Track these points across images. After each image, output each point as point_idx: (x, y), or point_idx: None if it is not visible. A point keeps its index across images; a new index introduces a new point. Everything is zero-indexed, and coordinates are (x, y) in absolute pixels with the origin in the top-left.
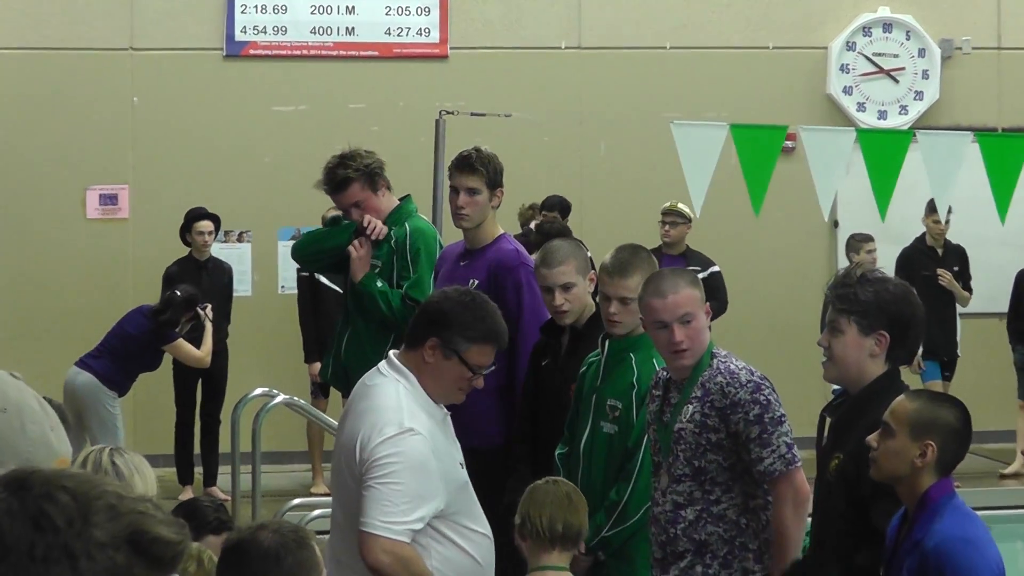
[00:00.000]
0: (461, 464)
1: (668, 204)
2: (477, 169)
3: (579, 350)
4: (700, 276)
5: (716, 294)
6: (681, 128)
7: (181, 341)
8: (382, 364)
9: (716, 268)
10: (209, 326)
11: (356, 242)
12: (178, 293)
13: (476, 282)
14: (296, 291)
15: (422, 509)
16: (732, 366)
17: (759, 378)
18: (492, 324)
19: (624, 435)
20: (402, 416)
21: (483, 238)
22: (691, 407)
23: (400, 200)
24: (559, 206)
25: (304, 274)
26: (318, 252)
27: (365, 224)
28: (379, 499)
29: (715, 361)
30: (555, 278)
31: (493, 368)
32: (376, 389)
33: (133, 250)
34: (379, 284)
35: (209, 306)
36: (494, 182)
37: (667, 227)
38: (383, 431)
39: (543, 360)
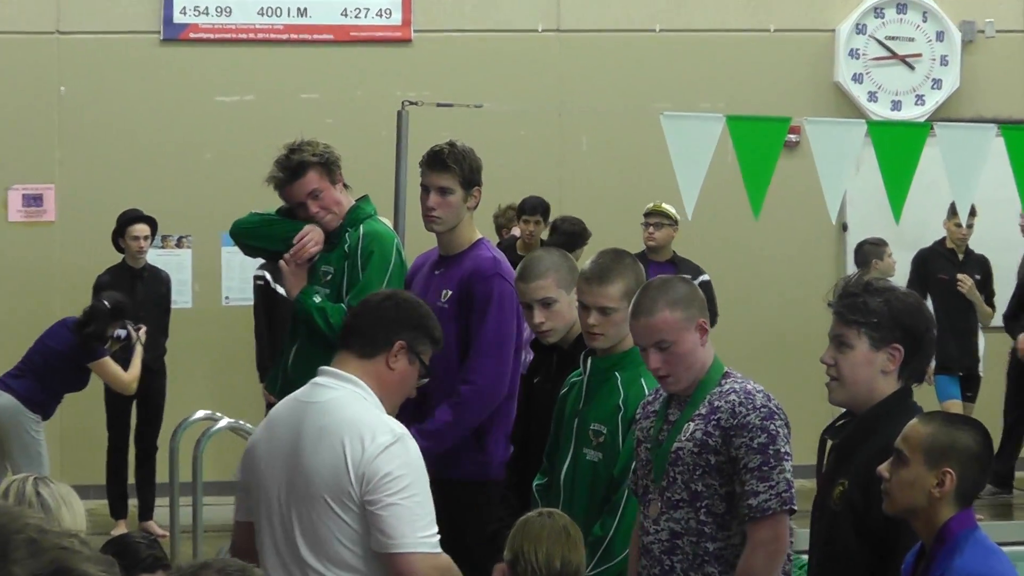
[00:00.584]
0: None
1: (652, 204)
2: (450, 166)
3: (567, 369)
4: None
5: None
6: (672, 120)
7: (108, 360)
8: (322, 378)
9: (706, 277)
10: (140, 349)
11: (287, 255)
12: (105, 303)
13: (449, 293)
14: (243, 302)
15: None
16: (749, 386)
17: (775, 406)
18: (439, 325)
19: (609, 463)
20: (388, 422)
21: (458, 243)
22: (693, 424)
23: (356, 201)
24: (541, 208)
25: (260, 282)
26: (261, 236)
27: (296, 240)
28: (406, 515)
29: (728, 380)
30: (532, 293)
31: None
32: (335, 402)
33: (60, 257)
34: (316, 299)
35: (143, 328)
36: (470, 180)
37: (651, 229)
38: (376, 441)
39: (535, 378)
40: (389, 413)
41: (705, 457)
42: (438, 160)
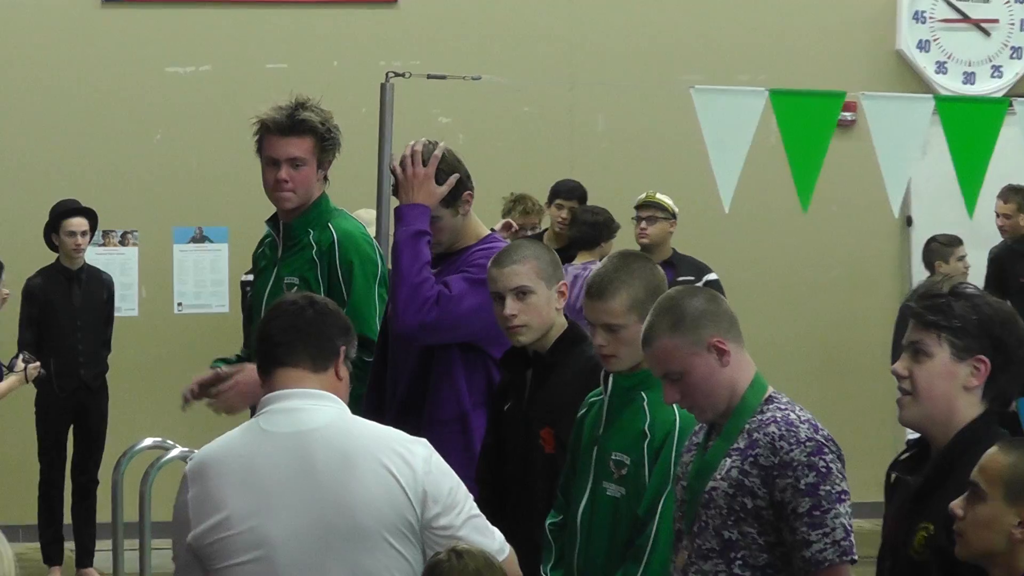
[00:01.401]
0: None
1: (644, 195)
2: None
3: (548, 384)
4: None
5: None
6: (705, 95)
7: None
8: (295, 402)
9: (713, 276)
10: (16, 378)
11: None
12: None
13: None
14: (198, 310)
15: None
16: (792, 416)
17: (823, 438)
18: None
19: (633, 499)
20: (400, 432)
21: (462, 243)
22: (729, 461)
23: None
24: (578, 193)
25: (249, 289)
26: None
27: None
28: (482, 524)
29: (770, 407)
30: (505, 279)
31: None
32: (342, 424)
33: None
34: None
35: (37, 364)
36: (452, 197)
37: (643, 224)
38: (416, 455)
39: (504, 403)
40: None
41: (740, 500)
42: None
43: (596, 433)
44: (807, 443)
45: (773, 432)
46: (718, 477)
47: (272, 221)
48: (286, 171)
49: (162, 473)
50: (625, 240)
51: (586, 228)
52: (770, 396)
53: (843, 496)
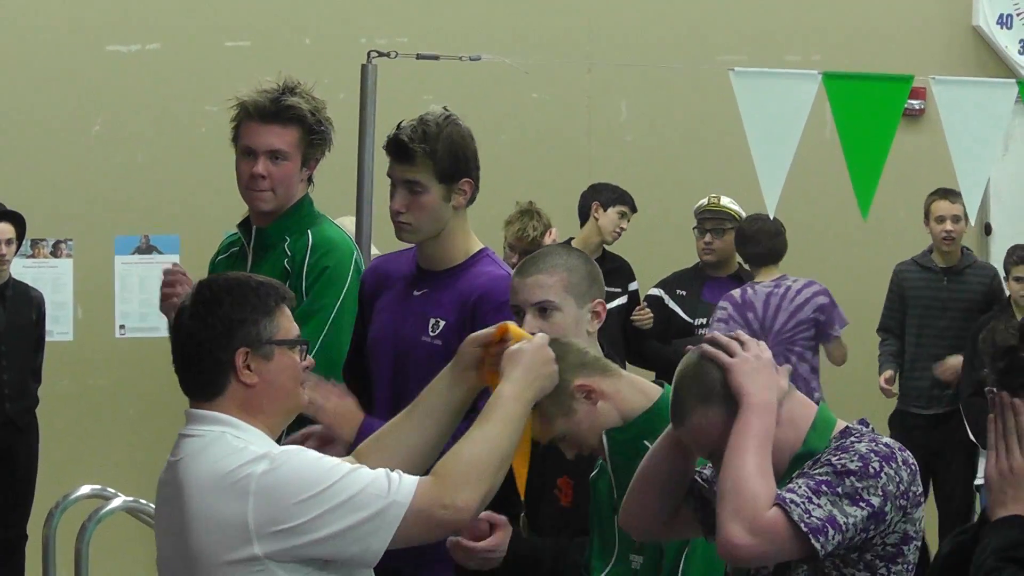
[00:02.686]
0: None
1: (709, 200)
2: (414, 154)
3: None
4: None
5: None
6: (746, 79)
7: None
8: (185, 426)
9: None
10: None
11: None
12: None
13: (441, 324)
14: (144, 333)
15: None
16: (882, 439)
17: (903, 460)
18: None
19: (652, 565)
20: (254, 453)
21: (447, 255)
22: (792, 479)
23: (299, 199)
24: (630, 199)
25: None
26: None
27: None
28: (363, 500)
29: (849, 439)
30: (527, 292)
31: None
32: (197, 458)
33: None
34: None
35: None
36: (450, 171)
37: (709, 236)
38: (256, 481)
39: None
40: (286, 422)
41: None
42: (399, 149)
43: (612, 499)
44: (882, 446)
45: (850, 442)
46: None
47: (244, 226)
48: (264, 165)
49: (102, 527)
50: (679, 253)
51: (777, 240)
52: (846, 429)
53: (862, 503)
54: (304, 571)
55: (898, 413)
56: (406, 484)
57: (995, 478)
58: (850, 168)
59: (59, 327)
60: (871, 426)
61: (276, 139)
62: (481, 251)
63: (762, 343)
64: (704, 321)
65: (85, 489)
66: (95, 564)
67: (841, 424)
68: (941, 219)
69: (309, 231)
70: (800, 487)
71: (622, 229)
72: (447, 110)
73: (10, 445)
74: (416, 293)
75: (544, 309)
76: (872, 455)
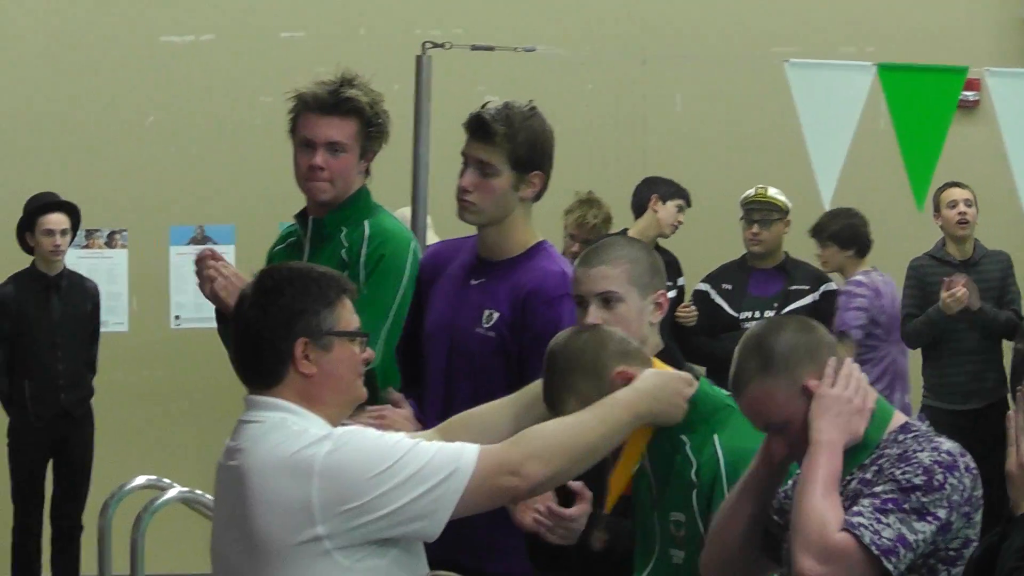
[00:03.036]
0: None
1: (756, 191)
2: (493, 134)
3: None
4: (808, 299)
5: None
6: (802, 70)
7: None
8: (244, 413)
9: (832, 285)
10: None
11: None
12: None
13: (495, 316)
14: (200, 323)
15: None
16: (939, 439)
17: (966, 466)
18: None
19: (694, 562)
20: (315, 435)
21: (507, 245)
22: (852, 475)
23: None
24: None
25: None
26: None
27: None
28: (427, 473)
29: (907, 436)
30: (591, 282)
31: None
32: (258, 443)
33: None
34: None
35: None
36: (525, 160)
37: (756, 228)
38: (319, 463)
39: None
40: (346, 413)
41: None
42: (481, 127)
43: (651, 496)
44: (944, 454)
45: (909, 443)
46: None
47: (300, 216)
48: (322, 157)
49: (157, 518)
50: (734, 245)
51: (865, 232)
52: (906, 424)
53: (930, 517)
54: (362, 555)
55: (928, 410)
56: (468, 452)
57: (1016, 473)
58: (905, 159)
59: (114, 318)
60: (927, 422)
61: (335, 131)
62: (539, 244)
63: (869, 390)
64: (750, 315)
65: (140, 480)
66: (150, 555)
67: (898, 417)
68: (953, 204)
69: (366, 222)
70: (866, 508)
71: (679, 223)
72: (535, 105)
73: (66, 436)
74: (473, 282)
75: (608, 300)
76: (935, 467)
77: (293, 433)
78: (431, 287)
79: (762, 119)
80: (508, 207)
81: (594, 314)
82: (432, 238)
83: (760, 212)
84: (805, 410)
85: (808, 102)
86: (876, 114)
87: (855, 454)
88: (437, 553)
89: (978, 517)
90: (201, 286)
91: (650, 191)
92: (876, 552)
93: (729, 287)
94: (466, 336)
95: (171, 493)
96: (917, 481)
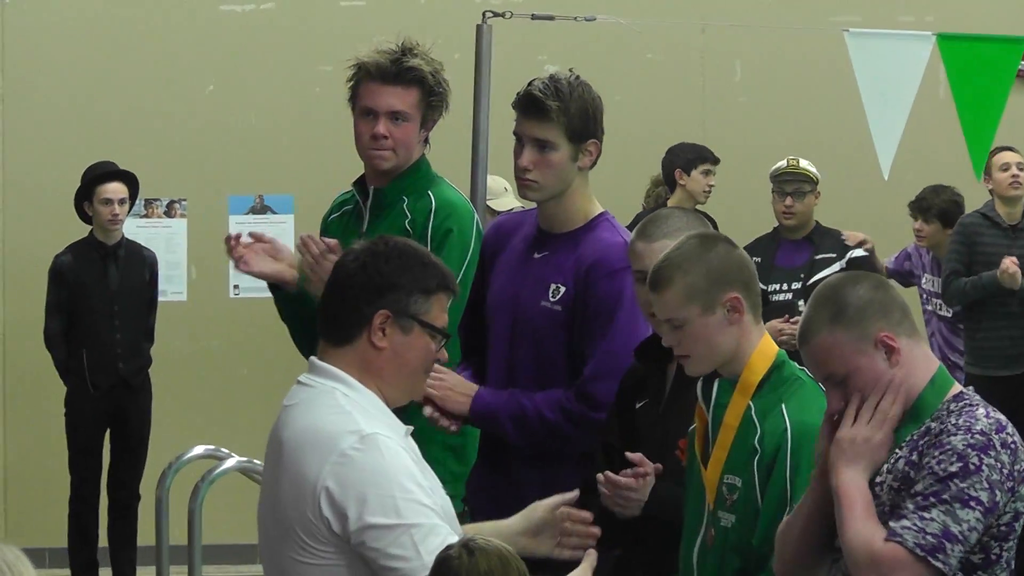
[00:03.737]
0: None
1: (788, 162)
2: (548, 110)
3: (693, 385)
4: (836, 267)
5: None
6: (861, 40)
7: None
8: (304, 375)
9: (858, 252)
10: None
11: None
12: None
13: (562, 290)
14: (259, 294)
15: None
16: (981, 410)
17: (1002, 442)
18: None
19: (744, 528)
20: (356, 422)
21: (569, 217)
22: (900, 452)
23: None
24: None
25: None
26: None
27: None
28: (404, 539)
29: (959, 404)
30: (654, 257)
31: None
32: (303, 408)
33: (5, 227)
34: None
35: None
36: (580, 131)
37: (789, 200)
38: (339, 451)
39: (638, 400)
40: (398, 403)
41: (904, 496)
42: (532, 104)
43: (706, 453)
44: (977, 435)
45: (952, 420)
46: (885, 470)
47: (359, 185)
48: (385, 125)
49: (215, 488)
50: (759, 217)
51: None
52: (960, 394)
53: (972, 503)
54: (341, 562)
55: (968, 377)
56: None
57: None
58: (964, 129)
59: (173, 287)
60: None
61: (397, 100)
62: (601, 215)
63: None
64: (777, 287)
65: (198, 449)
66: (208, 524)
67: (955, 388)
68: (1006, 167)
69: (430, 192)
70: (909, 511)
71: (710, 186)
72: (577, 73)
73: (123, 406)
74: (536, 256)
75: None
76: (969, 451)
77: (337, 410)
78: (494, 260)
79: (821, 88)
80: (568, 179)
81: None
82: (511, 203)
83: (793, 184)
84: (871, 365)
85: (867, 72)
86: (935, 83)
87: (912, 420)
88: (491, 518)
89: None
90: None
91: (672, 165)
92: (921, 553)
93: (759, 260)
94: (531, 309)
95: (229, 463)
96: (953, 469)
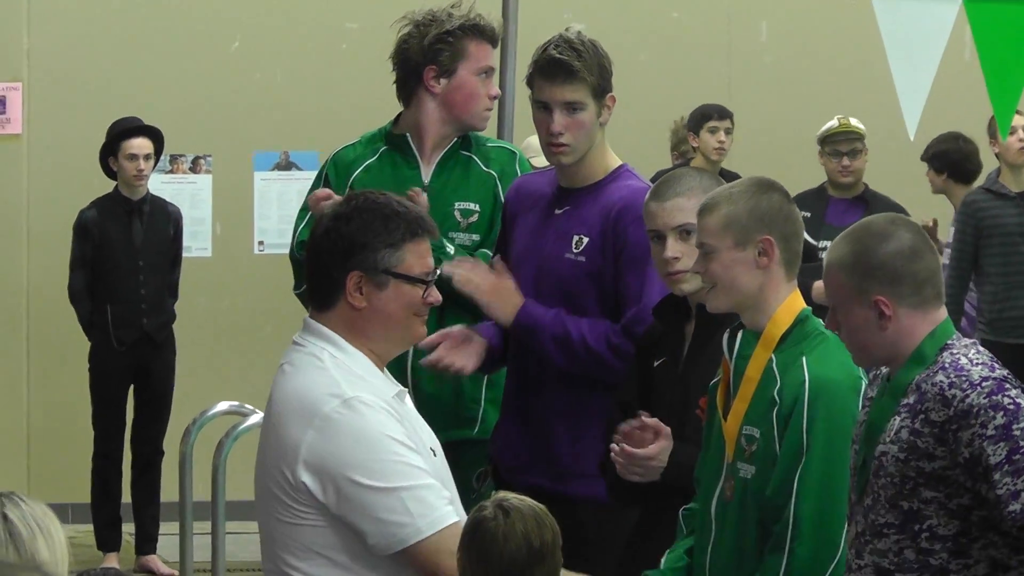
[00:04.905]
0: (435, 451)
1: (839, 122)
2: (575, 71)
3: (711, 343)
4: None
5: None
6: (888, 2)
7: None
8: (298, 334)
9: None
10: None
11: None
12: None
13: (585, 241)
14: (282, 250)
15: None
16: (963, 360)
17: (1002, 376)
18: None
19: (763, 480)
20: (338, 385)
21: (589, 172)
22: (898, 420)
23: None
24: (729, 113)
25: None
26: None
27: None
28: (393, 502)
29: (944, 354)
30: (667, 216)
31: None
32: (289, 370)
33: (30, 183)
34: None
35: None
36: (602, 87)
37: (845, 160)
38: (321, 415)
39: (655, 359)
40: (391, 356)
41: (916, 465)
42: (560, 68)
43: (727, 405)
44: (983, 383)
45: (942, 381)
46: (887, 440)
47: (391, 136)
48: (489, 85)
49: (239, 444)
50: (815, 173)
51: (958, 158)
52: (948, 344)
53: None
54: (323, 522)
55: (988, 344)
56: (440, 517)
57: None
58: (990, 91)
59: (197, 243)
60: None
61: (491, 59)
62: (621, 166)
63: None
64: (828, 243)
65: (223, 406)
66: (231, 480)
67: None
68: (1013, 131)
69: (502, 144)
70: (1012, 486)
71: (721, 143)
72: (578, 29)
73: (148, 362)
74: (558, 212)
75: (687, 232)
76: (994, 397)
77: (319, 376)
78: (515, 220)
79: (847, 49)
80: (594, 136)
81: (672, 247)
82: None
83: (847, 143)
84: (861, 318)
85: (893, 32)
86: (961, 45)
87: (913, 368)
88: (517, 477)
89: None
90: None
91: (684, 131)
92: None
93: (808, 215)
94: (555, 262)
95: (253, 419)
96: (1000, 421)
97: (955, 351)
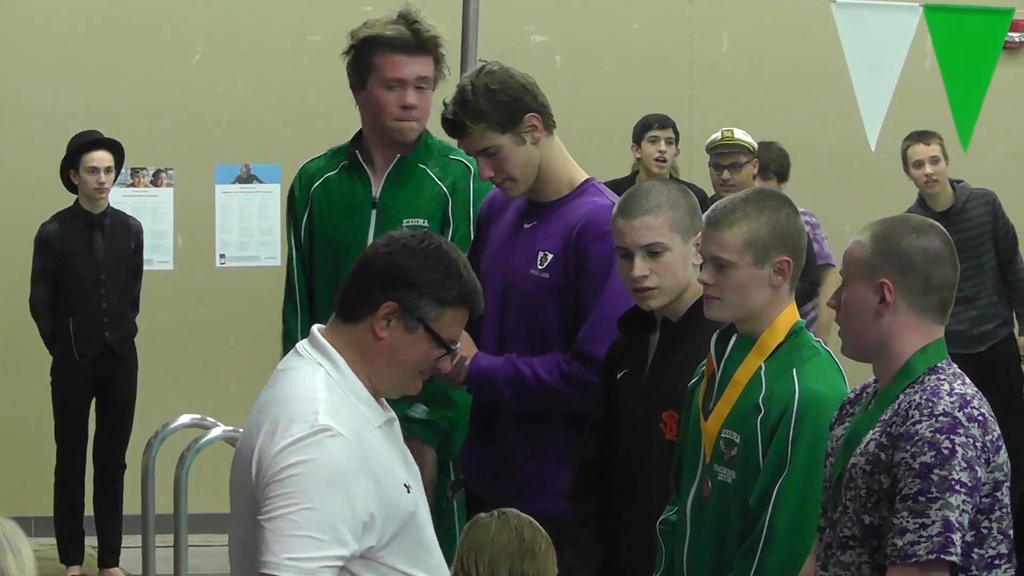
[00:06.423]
0: (408, 487)
1: (722, 134)
2: (465, 127)
3: (676, 357)
4: None
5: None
6: (848, 11)
7: None
8: (302, 343)
9: (811, 219)
10: None
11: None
12: None
13: (549, 257)
14: (246, 263)
15: (345, 541)
16: (944, 387)
17: (968, 416)
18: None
19: (744, 486)
20: (316, 410)
21: (553, 187)
22: (871, 434)
23: None
24: (673, 123)
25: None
26: None
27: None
28: (284, 529)
29: (931, 376)
30: (634, 234)
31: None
32: (286, 375)
33: None
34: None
35: None
36: (506, 119)
37: (727, 172)
38: (289, 432)
39: (619, 371)
40: (382, 394)
41: (878, 479)
42: (454, 128)
43: (708, 407)
44: (940, 417)
45: (913, 400)
46: (858, 452)
47: (358, 153)
48: (413, 95)
49: (201, 457)
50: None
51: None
52: (937, 366)
53: (957, 486)
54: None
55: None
56: (318, 568)
57: None
58: (951, 100)
59: (159, 256)
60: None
61: (422, 68)
62: (587, 181)
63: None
64: None
65: (185, 419)
66: (193, 493)
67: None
68: (919, 164)
69: (461, 158)
70: (905, 519)
71: (661, 152)
72: (483, 61)
73: (110, 375)
74: (526, 226)
75: (655, 251)
76: (937, 436)
77: (305, 394)
78: (487, 232)
79: (809, 59)
80: (532, 160)
81: (640, 266)
82: None
83: (729, 156)
84: (862, 296)
85: (855, 43)
86: (922, 55)
87: (899, 382)
88: (480, 492)
89: (1001, 457)
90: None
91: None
92: (933, 558)
93: None
94: (521, 277)
95: (215, 432)
96: (927, 459)
97: (941, 376)
